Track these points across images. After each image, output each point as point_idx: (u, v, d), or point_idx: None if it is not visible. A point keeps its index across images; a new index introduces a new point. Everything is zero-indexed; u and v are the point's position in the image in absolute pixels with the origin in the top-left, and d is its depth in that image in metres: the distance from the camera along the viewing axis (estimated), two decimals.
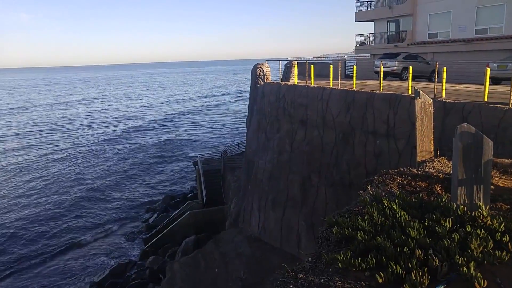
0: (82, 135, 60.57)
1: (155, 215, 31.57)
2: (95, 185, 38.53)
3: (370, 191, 4.84)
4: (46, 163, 45.25)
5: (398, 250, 3.08)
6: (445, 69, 12.62)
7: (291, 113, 17.86)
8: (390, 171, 5.36)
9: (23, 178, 39.60)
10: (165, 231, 26.03)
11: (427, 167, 5.77)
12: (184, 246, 23.03)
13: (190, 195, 34.36)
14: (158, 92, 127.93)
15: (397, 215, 3.72)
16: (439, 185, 4.90)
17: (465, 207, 3.69)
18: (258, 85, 22.67)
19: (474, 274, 2.66)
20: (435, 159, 6.18)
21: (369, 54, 33.52)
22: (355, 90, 14.89)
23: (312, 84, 17.74)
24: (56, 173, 41.82)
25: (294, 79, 20.35)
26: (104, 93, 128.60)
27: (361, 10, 34.16)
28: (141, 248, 26.43)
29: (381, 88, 14.47)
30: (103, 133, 62.57)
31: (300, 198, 16.43)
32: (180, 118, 76.89)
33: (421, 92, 6.04)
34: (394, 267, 2.79)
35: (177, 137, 59.85)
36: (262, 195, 18.96)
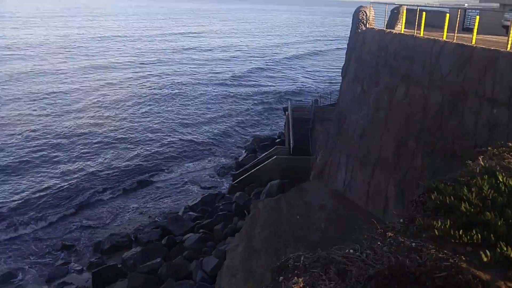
0: (185, 70, 64.32)
1: (245, 154, 33.44)
2: (192, 120, 41.93)
3: (482, 163, 4.43)
4: (152, 95, 49.59)
5: None
6: None
7: (393, 65, 16.48)
8: (510, 144, 4.79)
9: (125, 109, 43.94)
10: (252, 170, 27.47)
11: None
12: (269, 188, 24.13)
13: (278, 140, 35.18)
14: (256, 32, 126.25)
15: None
16: None
17: None
18: (359, 31, 21.06)
19: None
20: None
21: (499, 4, 28.52)
22: (474, 45, 13.00)
23: (422, 35, 15.90)
24: (158, 105, 46.00)
25: (401, 27, 18.45)
26: (205, 27, 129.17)
27: None
28: (230, 183, 28.61)
29: (509, 46, 12.41)
30: (203, 71, 65.46)
31: (392, 161, 15.61)
32: (276, 62, 76.54)
33: None
34: (505, 249, 2.60)
35: (271, 81, 60.72)
36: (351, 152, 18.52)
